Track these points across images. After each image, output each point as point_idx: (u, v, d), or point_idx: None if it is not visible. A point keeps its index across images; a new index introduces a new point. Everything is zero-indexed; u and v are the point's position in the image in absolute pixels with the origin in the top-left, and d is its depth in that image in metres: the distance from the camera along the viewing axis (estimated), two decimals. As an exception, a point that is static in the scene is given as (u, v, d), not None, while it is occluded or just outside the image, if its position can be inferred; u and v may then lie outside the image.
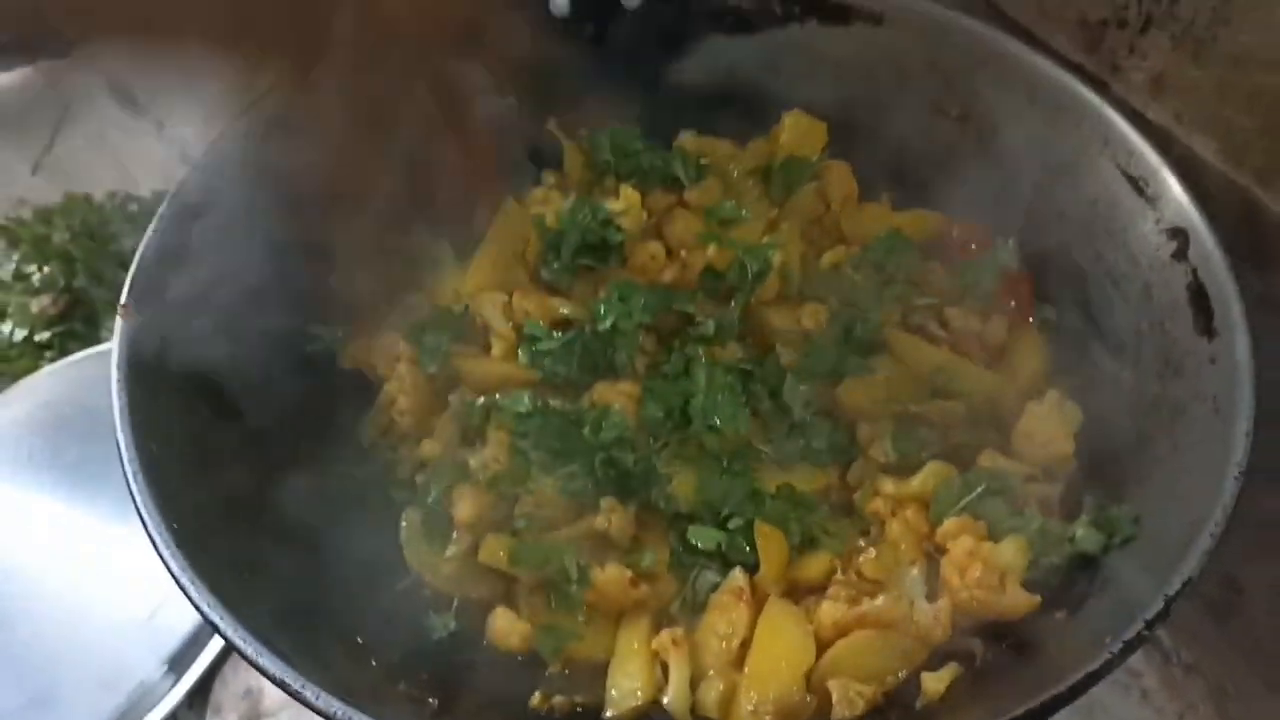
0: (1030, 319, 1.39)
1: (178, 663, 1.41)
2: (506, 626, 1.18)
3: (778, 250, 1.36)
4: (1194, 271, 1.15)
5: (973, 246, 1.42)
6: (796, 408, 1.26)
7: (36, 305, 1.89)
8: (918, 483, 1.22)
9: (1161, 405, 1.17)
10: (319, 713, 0.94)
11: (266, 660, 0.95)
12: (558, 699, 1.15)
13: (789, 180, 1.48)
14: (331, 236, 1.30)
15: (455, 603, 1.22)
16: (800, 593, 1.19)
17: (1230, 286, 1.11)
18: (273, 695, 1.44)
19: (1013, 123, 1.37)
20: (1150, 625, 0.93)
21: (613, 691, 1.13)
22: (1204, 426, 1.09)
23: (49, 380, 1.72)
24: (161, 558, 1.00)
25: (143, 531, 1.02)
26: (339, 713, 0.93)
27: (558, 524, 1.21)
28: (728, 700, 1.11)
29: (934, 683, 1.08)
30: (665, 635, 1.14)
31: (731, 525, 1.18)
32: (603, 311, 1.30)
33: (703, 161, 1.51)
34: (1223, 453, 1.02)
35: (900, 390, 1.29)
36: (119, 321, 1.15)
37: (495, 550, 1.19)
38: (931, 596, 1.15)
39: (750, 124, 1.55)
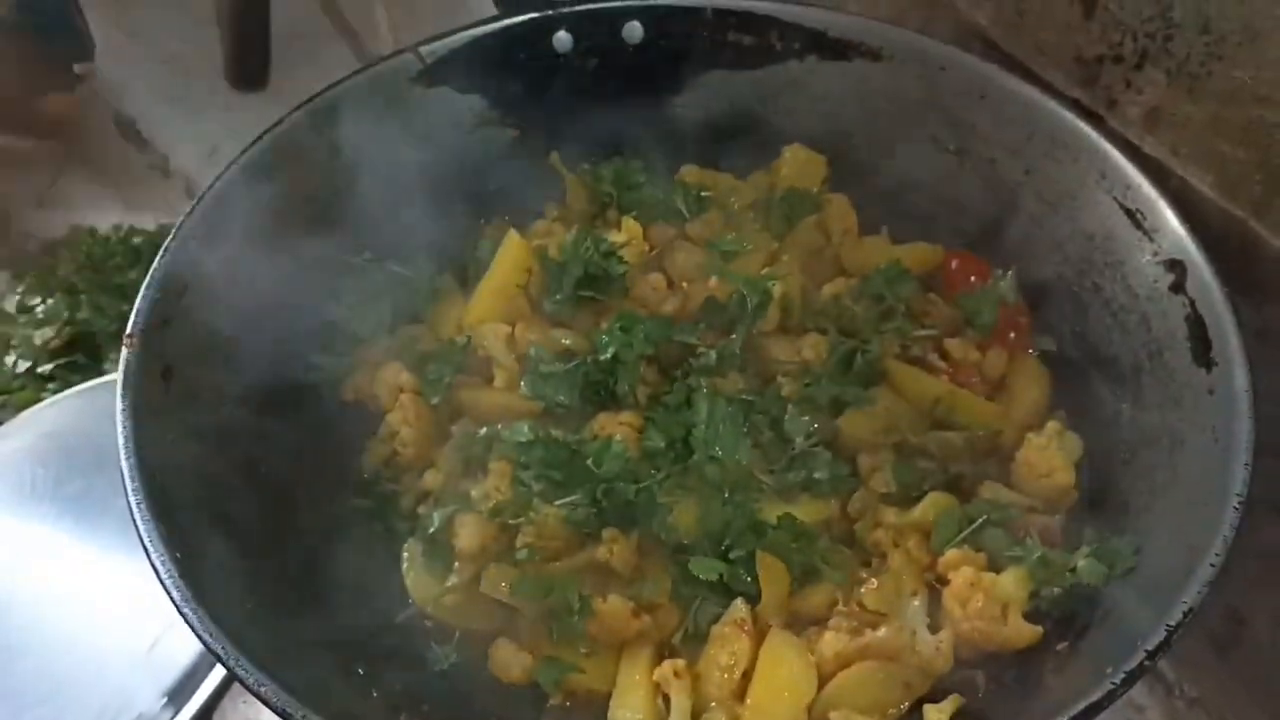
0: (1029, 350, 1.39)
1: (177, 695, 1.40)
2: (508, 658, 1.18)
3: (778, 282, 1.36)
4: (1192, 303, 1.15)
5: (972, 279, 1.43)
6: (798, 438, 1.26)
7: (40, 337, 1.90)
8: (919, 513, 1.22)
9: (1161, 436, 1.17)
10: (321, 743, 0.94)
11: (269, 690, 0.94)
12: (560, 731, 1.14)
13: (790, 213, 1.48)
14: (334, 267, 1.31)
15: (457, 634, 1.22)
16: (802, 624, 1.18)
17: (1228, 318, 1.11)
18: (272, 728, 1.43)
19: (1010, 156, 1.39)
20: (1152, 655, 0.93)
21: (614, 723, 1.13)
22: (1204, 457, 1.08)
23: (52, 411, 1.72)
24: (165, 588, 1.00)
25: (142, 563, 1.02)
26: (341, 743, 0.93)
27: (559, 555, 1.21)
28: (730, 732, 1.10)
29: (936, 714, 1.08)
30: (667, 666, 1.13)
31: (733, 556, 1.18)
32: (604, 342, 1.30)
33: (704, 194, 1.52)
34: (1223, 483, 1.02)
35: (900, 421, 1.29)
36: (124, 352, 1.15)
37: (497, 581, 1.18)
38: (933, 628, 1.15)
39: (751, 157, 1.56)
